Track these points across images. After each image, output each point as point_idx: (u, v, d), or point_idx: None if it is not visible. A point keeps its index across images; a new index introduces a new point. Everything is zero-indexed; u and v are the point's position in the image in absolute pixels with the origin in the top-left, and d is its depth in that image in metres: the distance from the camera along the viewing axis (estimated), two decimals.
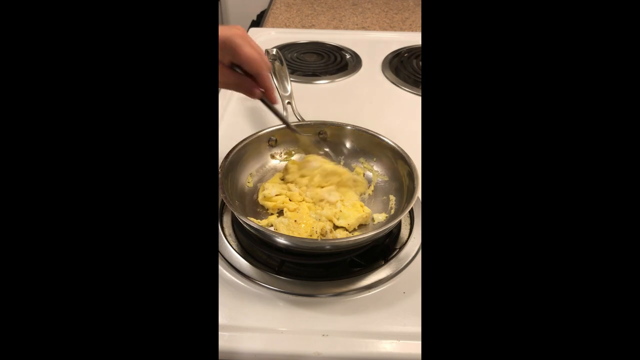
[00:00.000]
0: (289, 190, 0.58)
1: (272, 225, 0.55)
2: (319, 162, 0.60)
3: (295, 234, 0.52)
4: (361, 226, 0.55)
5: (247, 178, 0.61)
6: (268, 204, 0.57)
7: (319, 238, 0.52)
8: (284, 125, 0.63)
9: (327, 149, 0.64)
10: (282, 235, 0.50)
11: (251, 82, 0.53)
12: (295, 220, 0.53)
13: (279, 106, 0.60)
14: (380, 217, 0.56)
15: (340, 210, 0.55)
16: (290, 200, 0.57)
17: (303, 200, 0.57)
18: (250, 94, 0.54)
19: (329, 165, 0.60)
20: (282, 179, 0.61)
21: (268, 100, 0.56)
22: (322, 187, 0.58)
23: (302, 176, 0.59)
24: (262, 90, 0.55)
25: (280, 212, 0.56)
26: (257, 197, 0.59)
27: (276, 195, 0.57)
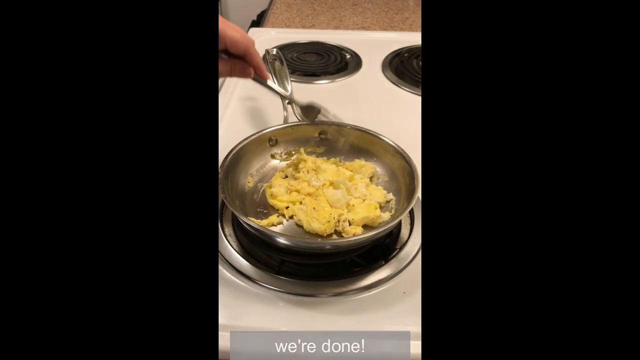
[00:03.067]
0: (295, 187, 0.58)
1: (272, 225, 0.55)
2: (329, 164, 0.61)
3: (314, 221, 0.52)
4: (366, 226, 0.55)
5: (247, 178, 0.61)
6: (278, 204, 0.57)
7: (336, 226, 0.53)
8: (284, 126, 0.63)
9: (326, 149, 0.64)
10: (282, 235, 0.50)
11: (243, 62, 0.54)
12: (314, 208, 0.54)
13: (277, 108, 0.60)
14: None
15: (353, 205, 0.55)
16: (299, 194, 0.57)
17: (317, 191, 0.58)
18: (244, 74, 0.55)
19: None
20: (286, 177, 0.61)
21: (261, 79, 0.57)
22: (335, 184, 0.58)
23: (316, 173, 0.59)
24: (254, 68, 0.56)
25: (282, 215, 0.56)
26: (258, 197, 0.59)
27: (285, 193, 0.57)
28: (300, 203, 0.56)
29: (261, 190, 0.60)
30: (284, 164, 0.63)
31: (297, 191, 0.58)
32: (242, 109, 0.79)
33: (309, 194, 0.57)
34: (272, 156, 0.64)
